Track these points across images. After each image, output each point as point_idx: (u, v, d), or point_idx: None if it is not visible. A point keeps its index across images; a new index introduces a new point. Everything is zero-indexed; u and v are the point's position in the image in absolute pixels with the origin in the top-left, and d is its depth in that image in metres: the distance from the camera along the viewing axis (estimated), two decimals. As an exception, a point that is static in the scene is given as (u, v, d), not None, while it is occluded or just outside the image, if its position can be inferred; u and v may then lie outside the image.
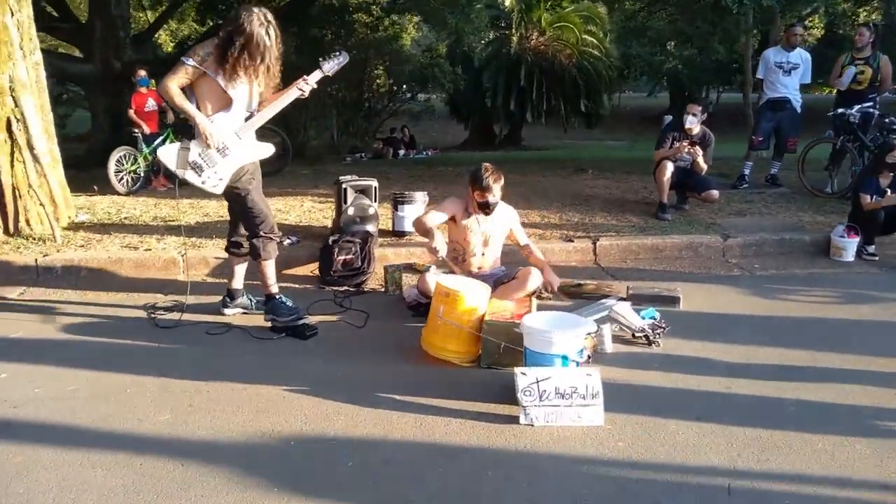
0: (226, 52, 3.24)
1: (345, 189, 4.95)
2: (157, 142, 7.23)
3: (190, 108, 3.30)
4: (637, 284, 4.26)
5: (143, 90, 7.45)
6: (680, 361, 3.20)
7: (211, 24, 13.45)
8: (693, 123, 5.81)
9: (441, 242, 3.71)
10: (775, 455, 2.38)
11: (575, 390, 2.60)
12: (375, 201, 5.09)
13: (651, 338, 3.39)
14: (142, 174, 7.06)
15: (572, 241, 5.08)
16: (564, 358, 2.73)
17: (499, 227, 3.93)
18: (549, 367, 2.69)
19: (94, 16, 10.47)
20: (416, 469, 2.30)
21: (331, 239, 4.60)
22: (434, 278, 3.67)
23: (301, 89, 3.45)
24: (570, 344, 2.73)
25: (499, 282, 3.86)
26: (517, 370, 2.65)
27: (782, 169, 7.07)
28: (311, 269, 4.74)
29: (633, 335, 3.43)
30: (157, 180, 7.35)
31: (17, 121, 5.06)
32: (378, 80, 18.07)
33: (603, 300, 3.99)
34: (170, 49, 19.73)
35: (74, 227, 5.50)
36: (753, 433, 2.52)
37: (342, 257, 4.49)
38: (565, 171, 8.43)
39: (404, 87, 19.23)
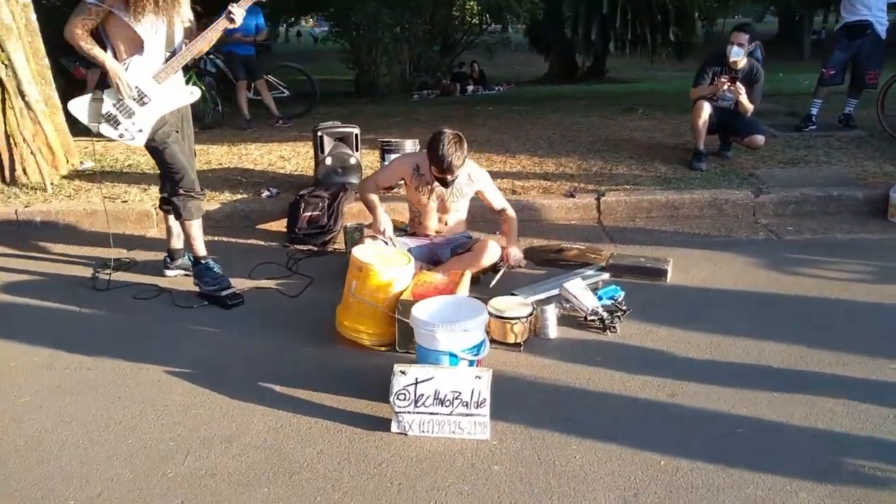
0: None
1: (321, 137, 4.56)
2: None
3: (98, 52, 2.98)
4: (621, 252, 3.67)
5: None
6: (630, 355, 2.68)
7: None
8: (738, 55, 4.95)
9: (386, 220, 3.32)
10: (682, 499, 1.87)
11: (458, 396, 2.17)
12: (357, 150, 4.67)
13: (606, 322, 2.86)
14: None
15: (573, 196, 4.48)
16: (452, 356, 2.28)
17: (462, 190, 3.44)
18: (433, 366, 2.26)
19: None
20: (245, 481, 1.98)
21: (300, 192, 4.27)
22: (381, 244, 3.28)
23: (231, 17, 3.05)
24: (458, 340, 2.28)
25: (455, 251, 3.41)
26: (397, 367, 2.24)
27: (860, 107, 6.00)
28: (285, 224, 4.45)
29: (586, 318, 2.91)
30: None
31: (5, 66, 4.97)
32: (451, 12, 17.30)
33: (582, 269, 3.47)
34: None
35: (76, 175, 5.44)
36: (670, 465, 2.01)
37: (308, 213, 4.15)
38: (612, 110, 7.62)
39: (478, 18, 18.34)
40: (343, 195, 4.27)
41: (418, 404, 2.17)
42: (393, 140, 4.76)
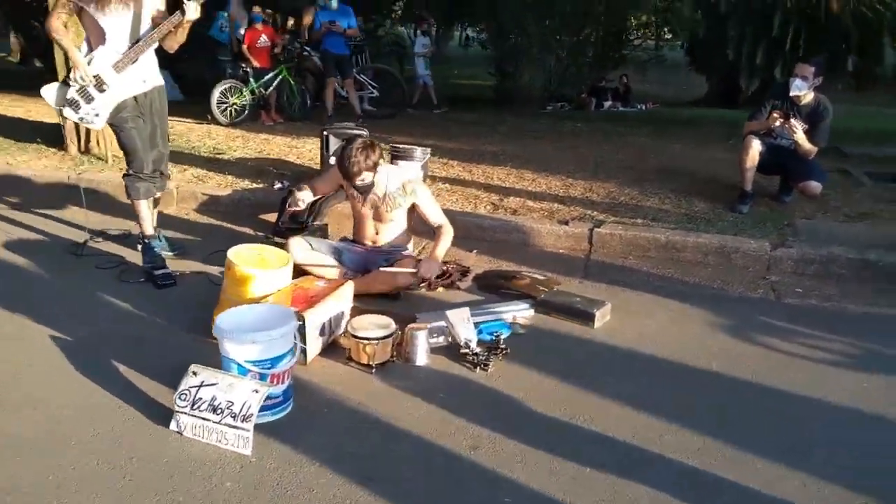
0: None
1: (327, 137, 4.64)
2: (267, 77, 7.55)
3: (66, 43, 3.27)
4: (561, 289, 3.36)
5: (258, 26, 7.77)
6: (477, 397, 2.44)
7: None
8: (800, 90, 4.35)
9: (306, 196, 3.36)
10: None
11: (230, 406, 2.12)
12: (362, 153, 4.68)
13: (478, 359, 2.64)
14: (247, 107, 7.45)
15: (567, 224, 4.17)
16: (240, 366, 2.22)
17: (396, 200, 3.34)
18: (223, 373, 2.22)
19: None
20: (15, 444, 2.07)
21: (288, 188, 4.37)
22: (297, 246, 3.30)
23: (182, 13, 3.21)
24: (245, 350, 2.21)
25: (388, 264, 3.32)
26: (192, 368, 2.23)
27: None
28: (284, 217, 4.58)
29: (460, 350, 2.70)
30: (266, 115, 7.71)
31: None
32: (601, 24, 16.78)
33: (515, 301, 3.25)
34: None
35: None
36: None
37: (292, 208, 4.23)
38: (717, 137, 7.03)
39: (633, 32, 17.62)
40: (333, 195, 4.30)
41: (194, 407, 2.15)
42: (402, 146, 4.72)
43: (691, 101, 18.74)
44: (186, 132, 6.92)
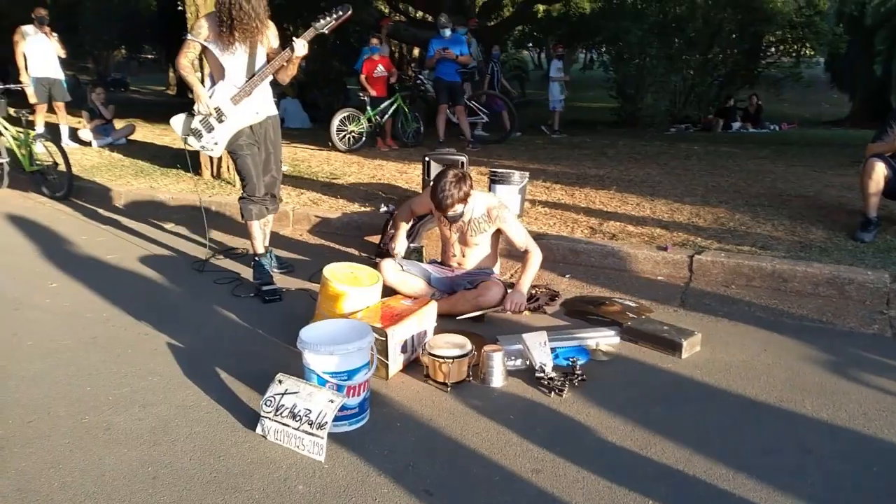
0: (217, 24, 3.49)
1: (428, 162, 4.82)
2: (383, 105, 7.91)
3: (192, 79, 3.65)
4: (654, 317, 3.28)
5: (375, 57, 8.17)
6: (548, 422, 2.44)
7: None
8: (933, 107, 3.99)
9: (402, 244, 3.62)
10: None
11: (308, 414, 2.27)
12: (463, 177, 4.82)
13: (553, 384, 2.64)
14: (364, 134, 7.84)
15: (665, 250, 4.06)
16: (319, 377, 2.37)
17: (480, 226, 3.44)
18: (304, 382, 2.38)
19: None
20: (122, 439, 2.33)
21: (392, 212, 4.57)
22: (388, 267, 3.46)
23: (292, 47, 3.51)
24: (323, 362, 2.35)
25: (472, 286, 3.41)
26: (278, 376, 2.41)
27: None
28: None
29: (535, 374, 2.72)
30: (382, 141, 8.07)
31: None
32: (732, 42, 16.09)
33: (601, 328, 3.23)
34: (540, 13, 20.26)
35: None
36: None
37: (390, 243, 4.44)
38: (825, 160, 6.56)
39: (767, 50, 16.74)
40: (428, 218, 4.46)
41: (277, 413, 2.32)
42: (500, 170, 4.80)
43: (832, 120, 17.48)
44: (308, 158, 7.40)
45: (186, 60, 3.64)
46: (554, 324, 3.33)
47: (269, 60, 3.62)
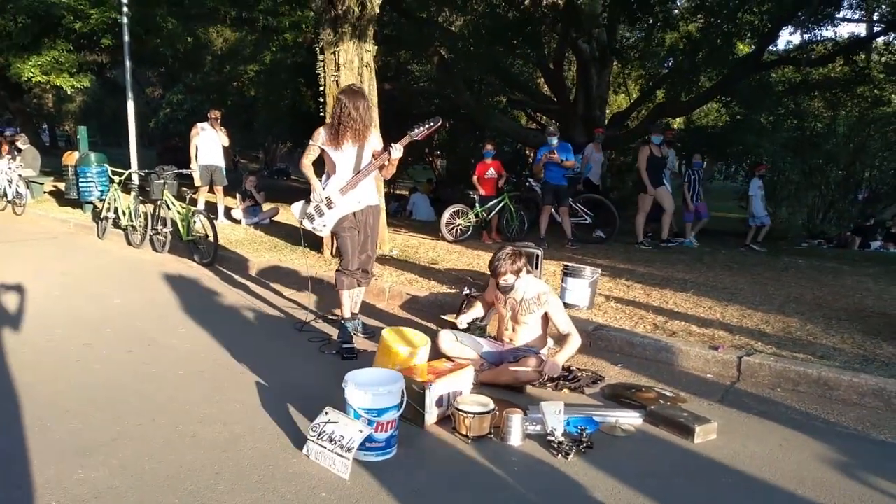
0: (331, 130, 4.34)
1: (508, 253, 5.33)
2: (490, 203, 8.62)
3: (310, 174, 4.46)
4: (686, 407, 3.50)
5: (488, 160, 8.96)
6: (555, 483, 2.76)
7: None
8: None
9: (467, 317, 4.05)
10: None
11: (341, 439, 2.79)
12: (537, 269, 5.29)
13: (561, 447, 2.98)
14: (470, 228, 8.55)
15: (717, 349, 4.25)
16: (355, 412, 2.88)
17: (530, 307, 3.89)
18: (345, 415, 2.91)
19: (578, 94, 12.65)
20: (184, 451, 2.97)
21: (470, 294, 5.12)
22: (445, 337, 3.97)
23: (390, 150, 4.24)
24: (361, 399, 2.87)
25: (515, 361, 3.83)
26: (326, 408, 2.96)
27: None
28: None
29: (546, 436, 3.07)
30: (487, 235, 8.73)
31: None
32: (878, 157, 15.54)
33: (627, 410, 3.53)
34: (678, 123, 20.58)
35: (380, 257, 7.28)
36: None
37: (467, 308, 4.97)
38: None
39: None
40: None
41: (319, 437, 2.85)
42: (572, 265, 5.23)
43: None
44: (417, 245, 8.18)
45: (307, 160, 4.47)
46: (586, 402, 3.64)
47: (374, 158, 4.38)
